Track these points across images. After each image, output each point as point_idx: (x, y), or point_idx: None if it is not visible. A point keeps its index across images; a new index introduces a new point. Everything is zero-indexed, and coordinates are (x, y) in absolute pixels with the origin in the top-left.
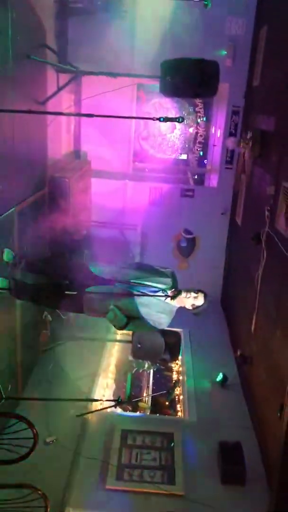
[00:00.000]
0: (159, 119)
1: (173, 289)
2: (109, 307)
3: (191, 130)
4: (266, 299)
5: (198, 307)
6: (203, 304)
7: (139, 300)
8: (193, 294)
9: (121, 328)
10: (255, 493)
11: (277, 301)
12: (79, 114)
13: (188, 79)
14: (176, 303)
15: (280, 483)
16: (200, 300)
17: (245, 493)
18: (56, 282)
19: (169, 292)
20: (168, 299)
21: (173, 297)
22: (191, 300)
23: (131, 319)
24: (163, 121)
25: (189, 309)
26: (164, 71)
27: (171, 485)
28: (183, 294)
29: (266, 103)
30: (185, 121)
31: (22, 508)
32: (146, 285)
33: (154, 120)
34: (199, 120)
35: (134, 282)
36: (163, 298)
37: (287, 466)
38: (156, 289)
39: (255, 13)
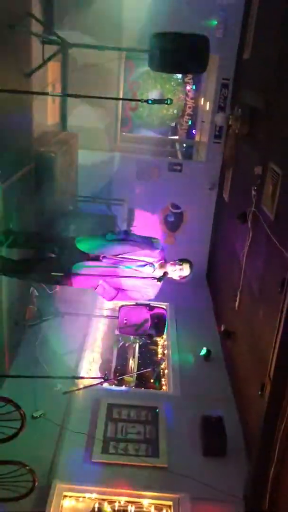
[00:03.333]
0: (147, 101)
1: (160, 262)
2: (98, 281)
3: (180, 102)
4: (250, 277)
5: (185, 277)
6: (190, 273)
7: (126, 274)
8: (178, 267)
9: (110, 300)
10: (235, 464)
11: (261, 281)
12: (66, 95)
13: (177, 55)
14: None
15: (258, 459)
16: (186, 271)
17: (226, 464)
18: (44, 257)
19: (156, 265)
20: (155, 272)
21: (159, 279)
22: (178, 272)
23: (120, 291)
24: (151, 103)
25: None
26: (152, 45)
27: (155, 458)
28: (169, 268)
29: (256, 78)
30: (174, 90)
31: (11, 483)
32: (134, 259)
33: (142, 102)
34: (188, 87)
35: (122, 258)
36: (150, 276)
37: (266, 444)
38: (144, 263)
39: None
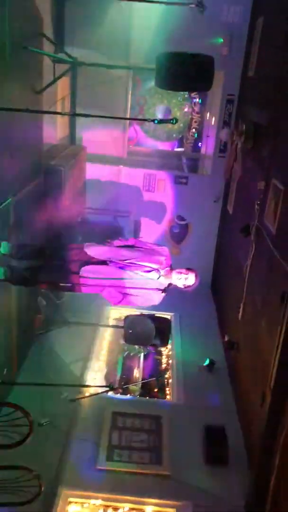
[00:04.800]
0: (153, 120)
1: (166, 269)
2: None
3: (185, 117)
4: (253, 289)
5: (189, 286)
6: (194, 283)
7: (133, 279)
8: (183, 276)
9: (116, 304)
10: (237, 473)
11: (264, 293)
12: (74, 114)
13: (182, 74)
14: (168, 282)
15: (259, 467)
16: (191, 280)
17: (227, 473)
18: (51, 264)
19: (162, 272)
20: (161, 279)
21: (164, 291)
22: (183, 281)
23: (125, 295)
24: (157, 123)
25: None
26: (159, 64)
27: (158, 465)
28: (175, 276)
29: (260, 95)
30: (180, 105)
31: (17, 488)
32: (140, 265)
33: (149, 121)
34: (193, 102)
35: (128, 263)
36: (155, 278)
37: (266, 452)
38: (149, 269)
39: (252, 3)
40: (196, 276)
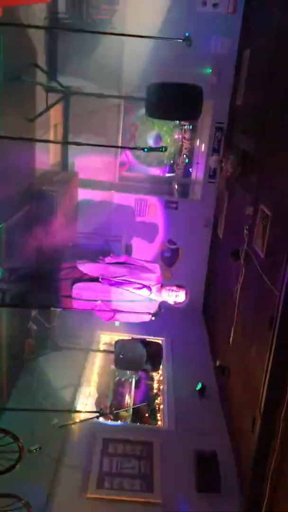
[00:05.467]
0: (143, 149)
1: (157, 285)
2: (97, 302)
3: (176, 144)
4: (243, 314)
5: (180, 303)
6: (184, 300)
7: (124, 295)
8: (174, 293)
9: (107, 320)
10: (229, 501)
11: (254, 317)
12: (67, 142)
13: (171, 104)
14: (159, 298)
15: (251, 494)
16: (181, 297)
17: (220, 501)
18: (42, 282)
19: (153, 289)
20: (152, 295)
21: (154, 315)
22: (173, 298)
23: (117, 312)
24: (147, 151)
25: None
26: (149, 94)
27: (149, 493)
28: (165, 293)
29: (248, 123)
30: (170, 132)
31: None
32: (131, 281)
33: (138, 149)
34: (183, 129)
35: (120, 280)
36: (147, 295)
37: (257, 478)
38: (141, 286)
39: (239, 36)
40: (186, 293)
